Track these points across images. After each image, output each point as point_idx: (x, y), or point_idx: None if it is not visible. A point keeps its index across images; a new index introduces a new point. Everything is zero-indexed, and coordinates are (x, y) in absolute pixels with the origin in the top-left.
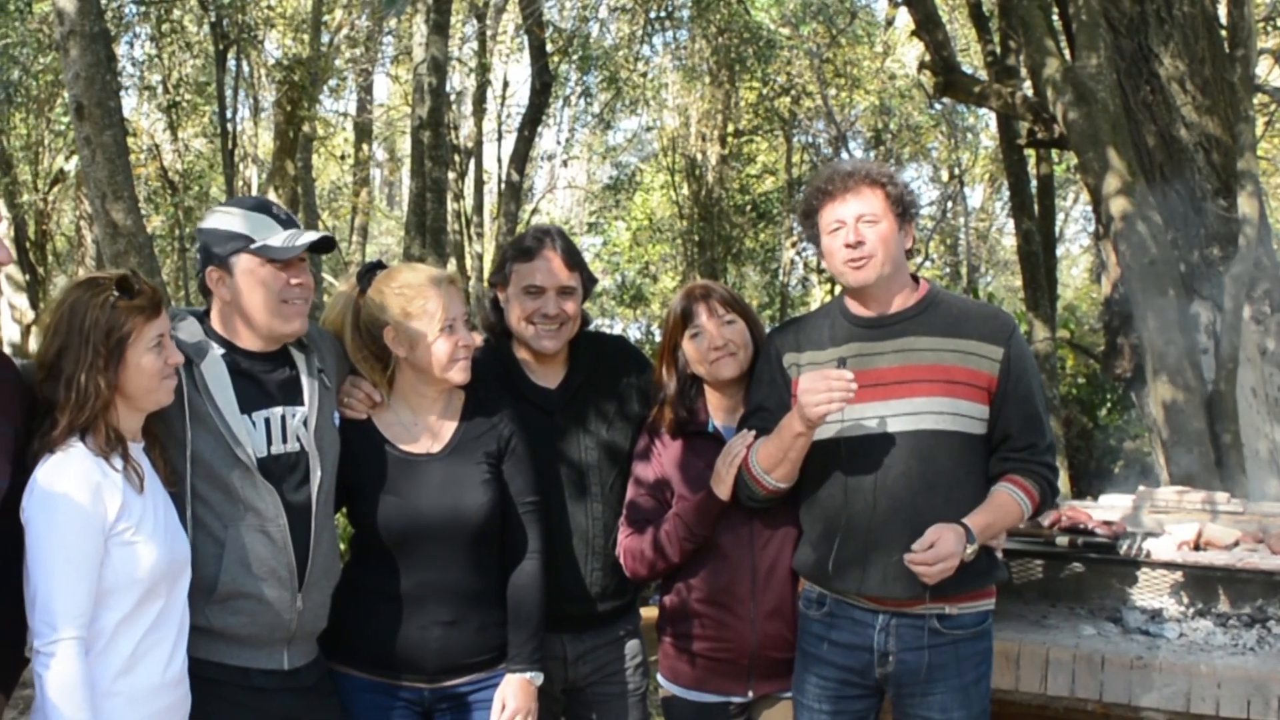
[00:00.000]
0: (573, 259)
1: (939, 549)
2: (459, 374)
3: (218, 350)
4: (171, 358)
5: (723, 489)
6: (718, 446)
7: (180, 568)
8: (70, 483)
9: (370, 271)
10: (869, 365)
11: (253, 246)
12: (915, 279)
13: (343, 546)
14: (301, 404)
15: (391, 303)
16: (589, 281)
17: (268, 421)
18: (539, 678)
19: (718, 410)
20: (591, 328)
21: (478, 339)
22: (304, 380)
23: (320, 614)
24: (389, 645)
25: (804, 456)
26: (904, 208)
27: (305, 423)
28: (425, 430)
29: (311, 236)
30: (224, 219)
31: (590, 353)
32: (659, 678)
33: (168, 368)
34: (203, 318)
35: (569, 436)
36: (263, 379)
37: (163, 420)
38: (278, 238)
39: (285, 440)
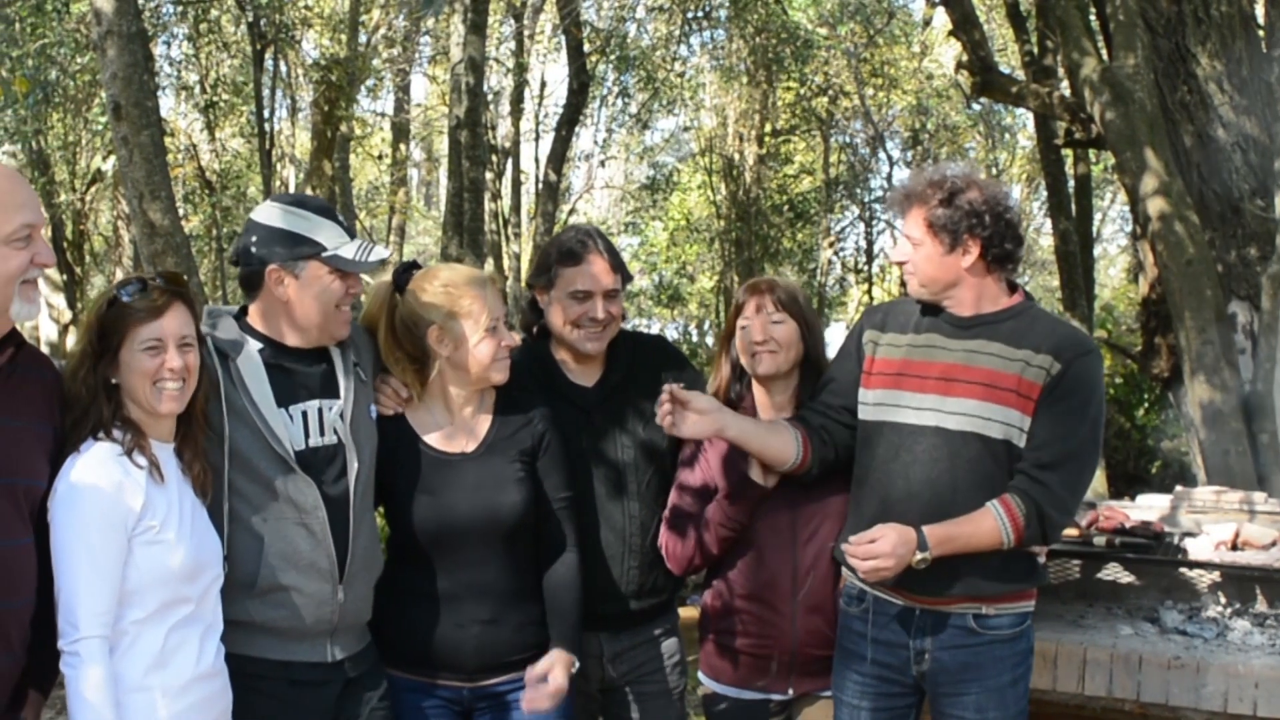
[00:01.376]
0: (615, 261)
1: (875, 546)
2: (499, 374)
3: (254, 345)
4: (169, 362)
5: (753, 472)
6: None
7: (208, 566)
8: (92, 482)
9: (406, 271)
10: (936, 358)
11: (324, 255)
12: (1013, 287)
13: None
14: (338, 396)
15: (438, 302)
16: (625, 279)
17: (304, 415)
18: (576, 664)
19: (765, 408)
20: (628, 327)
21: (516, 339)
22: (340, 373)
23: (364, 606)
24: (427, 644)
25: (767, 450)
26: (952, 231)
27: (342, 415)
28: (459, 429)
29: (383, 253)
30: (291, 220)
31: (628, 351)
32: (700, 675)
33: (163, 371)
34: (238, 315)
35: (606, 435)
36: (299, 373)
37: (205, 415)
38: (349, 249)
39: (323, 433)
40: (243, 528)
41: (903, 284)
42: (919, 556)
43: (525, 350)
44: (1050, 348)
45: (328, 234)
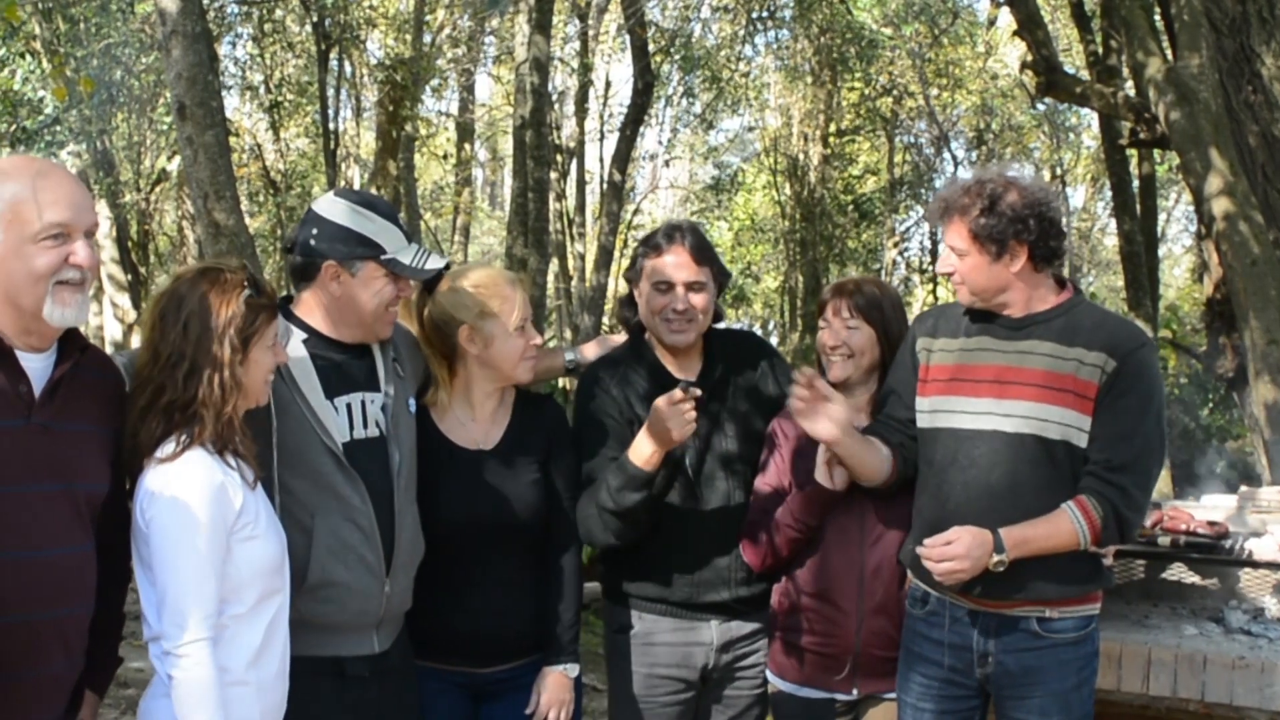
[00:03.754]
0: (702, 254)
1: (952, 548)
2: (525, 373)
3: (299, 335)
4: (280, 357)
5: (820, 474)
6: None
7: (285, 556)
8: (197, 484)
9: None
10: (989, 361)
11: (383, 258)
12: (1062, 283)
13: None
14: (379, 390)
15: (469, 301)
16: (720, 275)
17: (349, 407)
18: (574, 669)
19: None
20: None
21: (591, 353)
22: (380, 367)
23: (406, 595)
24: (443, 633)
25: (864, 470)
26: (998, 240)
27: (384, 408)
28: (480, 426)
29: (439, 262)
30: (355, 219)
31: (723, 345)
32: (767, 673)
33: (274, 367)
34: (282, 303)
35: (712, 427)
36: (343, 364)
37: (249, 410)
38: (407, 254)
39: (365, 426)
40: (291, 522)
41: None
42: (996, 559)
43: (628, 347)
44: (1103, 345)
45: (389, 237)
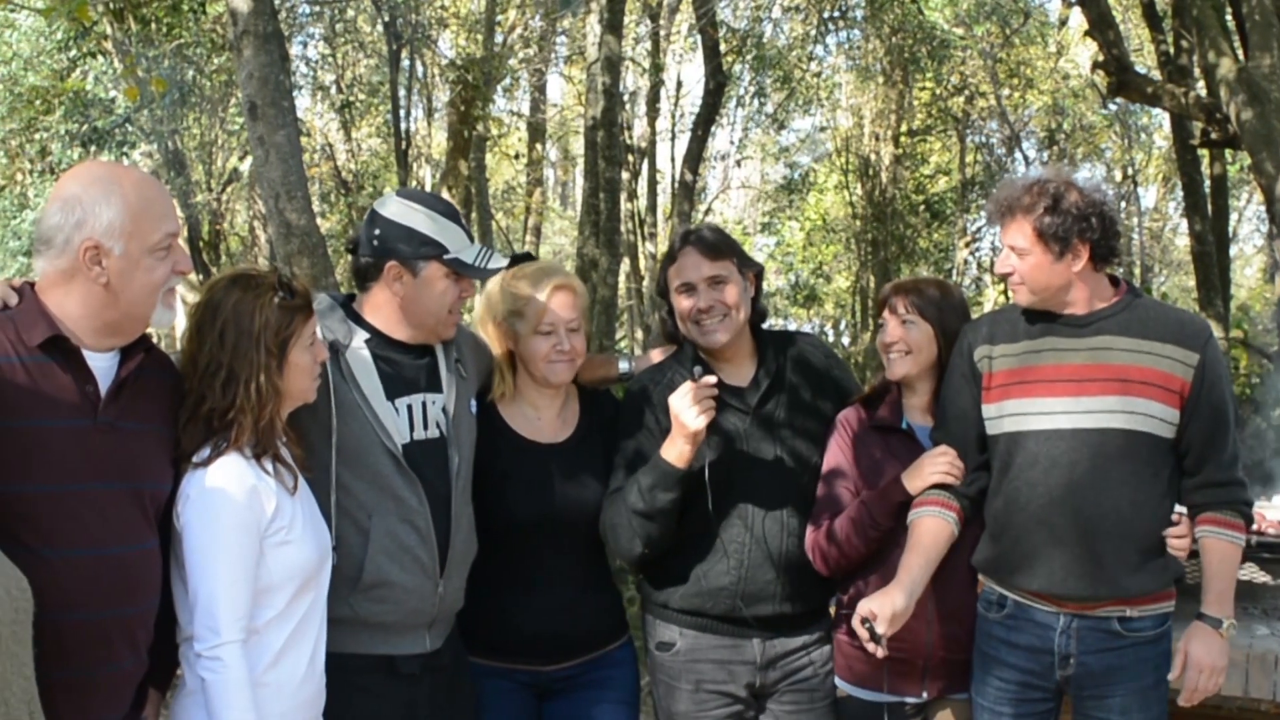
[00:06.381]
0: (716, 249)
1: (1197, 662)
2: (554, 376)
3: (362, 336)
4: (320, 354)
5: (914, 483)
6: (908, 442)
7: (325, 558)
8: (229, 488)
9: (515, 262)
10: (1059, 360)
11: (446, 258)
12: (1115, 280)
13: None
14: (440, 391)
15: (502, 299)
16: (747, 267)
17: (410, 408)
18: None
19: (914, 409)
20: (764, 326)
21: (654, 361)
22: (442, 368)
23: (459, 595)
24: (509, 632)
25: (938, 561)
26: (1062, 239)
27: (445, 410)
28: (548, 422)
29: (501, 261)
30: (418, 219)
31: (775, 347)
32: (834, 677)
33: (317, 365)
34: (343, 303)
35: (764, 434)
36: (405, 365)
37: (309, 409)
38: (469, 253)
39: (426, 427)
40: (348, 522)
41: None
42: (1226, 625)
43: (676, 356)
44: (1181, 339)
45: (451, 236)
